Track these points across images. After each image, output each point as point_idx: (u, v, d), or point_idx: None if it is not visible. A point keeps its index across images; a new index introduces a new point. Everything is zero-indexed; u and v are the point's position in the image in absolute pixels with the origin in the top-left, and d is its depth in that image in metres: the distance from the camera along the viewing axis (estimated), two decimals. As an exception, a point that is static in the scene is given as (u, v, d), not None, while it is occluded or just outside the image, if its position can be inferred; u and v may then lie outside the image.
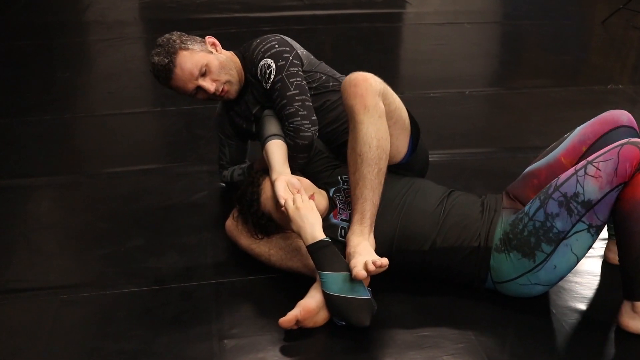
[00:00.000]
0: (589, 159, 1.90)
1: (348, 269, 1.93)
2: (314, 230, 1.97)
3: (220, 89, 2.32)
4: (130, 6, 5.82)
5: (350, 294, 1.91)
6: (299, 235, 2.00)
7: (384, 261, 1.89)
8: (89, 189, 2.82)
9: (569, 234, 1.91)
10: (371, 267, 1.87)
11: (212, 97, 2.35)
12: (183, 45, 2.29)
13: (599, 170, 1.85)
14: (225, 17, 5.34)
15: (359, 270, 1.88)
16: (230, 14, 5.44)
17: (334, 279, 1.92)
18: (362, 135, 2.00)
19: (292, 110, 2.25)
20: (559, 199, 1.91)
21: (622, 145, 1.86)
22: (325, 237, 1.97)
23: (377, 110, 2.02)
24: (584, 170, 1.88)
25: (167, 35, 2.33)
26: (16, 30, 5.18)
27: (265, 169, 2.24)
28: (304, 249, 2.04)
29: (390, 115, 2.11)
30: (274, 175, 2.14)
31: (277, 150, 2.23)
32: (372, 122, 2.01)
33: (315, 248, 1.95)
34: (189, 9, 5.56)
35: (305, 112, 2.25)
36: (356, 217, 2.04)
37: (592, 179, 1.86)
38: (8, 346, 1.95)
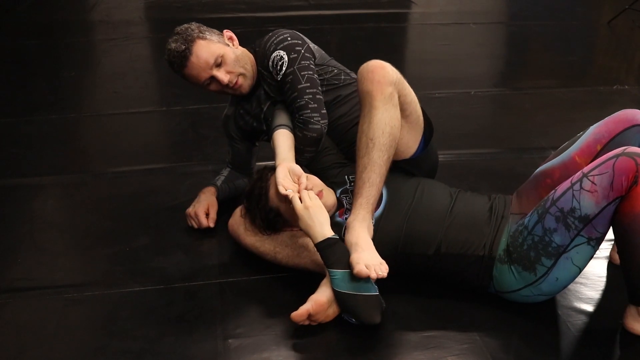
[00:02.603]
0: (585, 170, 1.87)
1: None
2: (323, 229, 1.97)
3: (234, 81, 2.32)
4: (136, 6, 5.83)
5: (359, 290, 1.91)
6: (307, 233, 2.00)
7: (384, 272, 1.90)
8: (94, 189, 2.83)
9: (569, 248, 1.90)
10: (373, 275, 1.88)
11: (224, 89, 2.34)
12: (201, 34, 2.30)
13: (595, 184, 1.82)
14: (231, 16, 5.35)
15: (361, 269, 1.88)
16: (236, 14, 5.45)
17: (344, 277, 1.92)
18: (377, 121, 2.01)
19: (302, 102, 2.26)
20: (555, 214, 1.89)
21: (617, 157, 1.81)
22: (333, 234, 1.97)
23: (392, 99, 2.03)
24: (580, 185, 1.85)
25: (185, 25, 2.33)
26: (22, 29, 5.19)
27: (272, 167, 2.24)
28: (312, 245, 2.04)
29: (404, 107, 2.11)
30: (277, 162, 2.16)
31: (283, 139, 2.25)
32: (387, 109, 2.02)
33: (324, 245, 1.95)
34: (194, 8, 5.57)
35: (316, 105, 2.26)
36: (360, 201, 2.03)
37: (588, 193, 1.83)
38: (14, 344, 1.96)
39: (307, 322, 1.95)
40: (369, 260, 1.91)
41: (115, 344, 1.95)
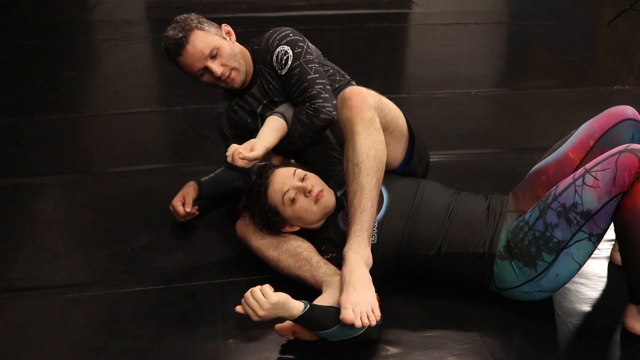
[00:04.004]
0: (587, 166, 1.87)
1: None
2: (290, 311, 1.83)
3: (227, 74, 2.33)
4: (137, 6, 5.84)
5: (352, 334, 1.85)
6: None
7: (373, 320, 1.81)
8: (95, 188, 2.83)
9: (570, 244, 1.90)
10: (358, 324, 1.78)
11: (216, 81, 2.35)
12: (199, 25, 2.32)
13: (597, 180, 1.82)
14: (231, 16, 5.35)
15: (347, 314, 1.79)
16: (236, 14, 5.45)
17: (334, 333, 1.86)
18: (360, 146, 1.99)
19: (314, 92, 2.27)
20: (557, 209, 1.89)
21: (619, 153, 1.82)
22: (302, 305, 1.84)
23: (374, 123, 2.02)
24: (582, 180, 1.85)
25: (185, 15, 2.36)
26: (23, 29, 5.20)
27: (272, 164, 2.25)
28: (315, 260, 2.05)
29: (386, 126, 2.10)
30: (253, 140, 2.19)
31: (270, 123, 2.28)
32: (369, 133, 2.00)
33: (304, 318, 1.84)
34: (195, 8, 5.51)
35: (327, 95, 2.28)
36: (354, 229, 1.98)
37: (590, 189, 1.83)
38: (14, 344, 1.96)
39: (291, 337, 1.91)
40: (358, 303, 1.83)
41: (116, 343, 1.95)
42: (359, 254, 1.96)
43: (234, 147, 2.15)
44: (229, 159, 2.15)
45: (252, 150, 2.15)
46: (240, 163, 2.12)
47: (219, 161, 2.79)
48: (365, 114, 2.00)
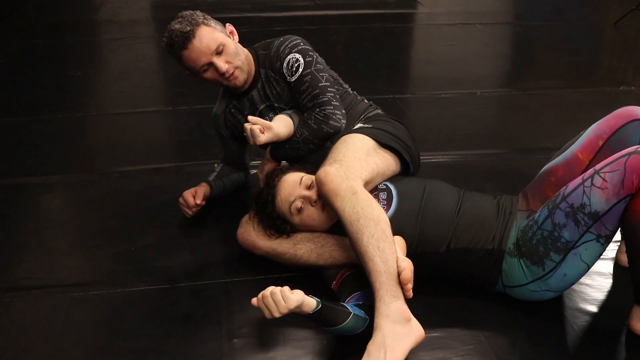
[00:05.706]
0: (596, 167, 1.87)
1: (348, 315, 1.85)
2: (302, 309, 1.79)
3: (231, 72, 2.33)
4: (142, 5, 5.86)
5: (354, 331, 1.86)
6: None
7: None
8: (100, 188, 2.84)
9: (578, 244, 1.90)
10: None
11: (218, 78, 2.35)
12: (206, 21, 2.34)
13: (606, 181, 1.82)
14: (236, 16, 5.36)
15: None
16: (241, 14, 5.46)
17: (336, 331, 1.85)
18: (342, 218, 1.98)
19: (325, 99, 2.29)
20: (565, 209, 1.89)
21: (629, 155, 1.82)
22: (314, 303, 1.80)
23: (349, 190, 2.00)
24: (591, 181, 1.85)
25: (191, 11, 2.37)
26: (29, 29, 5.21)
27: (281, 169, 2.25)
28: (333, 241, 2.10)
29: (372, 178, 2.15)
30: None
31: (279, 120, 2.31)
32: (347, 202, 1.98)
33: (315, 314, 1.81)
34: (200, 8, 5.52)
35: (338, 104, 2.31)
36: (374, 295, 1.88)
37: (599, 190, 1.83)
38: (19, 343, 1.96)
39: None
40: None
41: (121, 342, 1.95)
42: (379, 317, 1.84)
43: (250, 125, 2.20)
44: (248, 138, 2.20)
45: (269, 127, 2.21)
46: (261, 138, 2.17)
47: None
48: (338, 189, 2.00)
